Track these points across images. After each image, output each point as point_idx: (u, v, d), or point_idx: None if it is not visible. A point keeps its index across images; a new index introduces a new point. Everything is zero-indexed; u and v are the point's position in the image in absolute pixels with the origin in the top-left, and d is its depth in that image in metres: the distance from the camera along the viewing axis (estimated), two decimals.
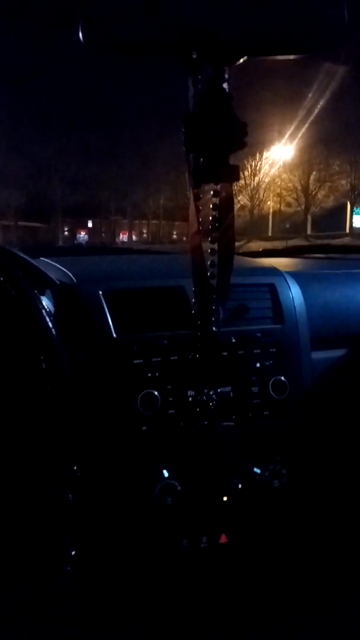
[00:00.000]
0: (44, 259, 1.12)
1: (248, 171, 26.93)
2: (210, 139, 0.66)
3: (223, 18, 0.62)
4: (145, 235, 33.18)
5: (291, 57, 0.67)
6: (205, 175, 0.69)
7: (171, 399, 0.91)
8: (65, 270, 1.00)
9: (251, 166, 27.04)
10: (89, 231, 32.94)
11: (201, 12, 0.62)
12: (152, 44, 0.64)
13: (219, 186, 0.72)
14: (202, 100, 0.66)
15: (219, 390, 0.94)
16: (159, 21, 0.62)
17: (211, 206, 0.74)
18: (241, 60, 0.66)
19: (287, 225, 29.37)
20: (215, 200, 0.73)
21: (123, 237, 32.28)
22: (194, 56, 0.64)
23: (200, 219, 0.72)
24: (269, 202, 29.55)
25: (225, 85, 0.66)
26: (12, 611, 0.82)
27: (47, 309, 0.75)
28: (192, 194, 0.70)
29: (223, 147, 0.67)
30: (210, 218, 0.74)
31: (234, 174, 0.70)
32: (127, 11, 0.62)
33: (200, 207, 0.71)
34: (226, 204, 0.73)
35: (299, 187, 27.64)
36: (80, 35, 0.62)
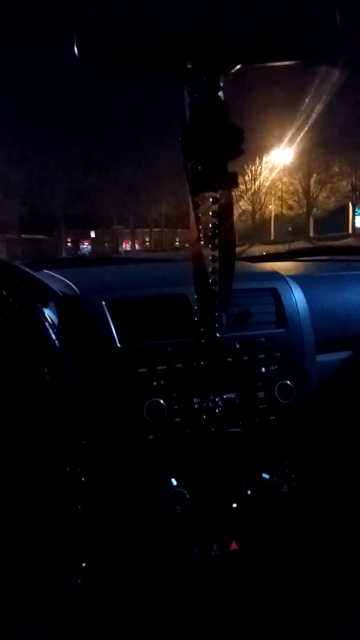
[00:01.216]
0: (47, 271, 1.13)
1: (248, 176, 26.96)
2: (207, 147, 0.66)
3: (216, 27, 0.63)
4: (147, 243, 33.25)
5: (285, 63, 0.68)
6: (203, 183, 0.69)
7: (177, 407, 0.91)
8: (68, 281, 1.01)
9: (251, 171, 27.08)
10: (92, 241, 33.03)
11: (195, 22, 0.62)
12: (147, 55, 0.65)
13: (218, 193, 0.72)
14: (198, 109, 0.66)
15: (224, 396, 0.94)
16: (153, 32, 0.63)
17: (211, 213, 0.74)
18: (236, 68, 0.67)
19: (290, 228, 29.33)
20: (215, 207, 0.73)
21: (126, 246, 32.35)
22: (189, 66, 0.65)
23: (200, 227, 0.72)
24: (270, 206, 29.55)
25: (220, 94, 0.67)
26: (23, 621, 0.82)
27: (51, 321, 0.76)
28: (191, 202, 0.70)
29: (220, 155, 0.68)
30: (211, 225, 0.74)
31: (232, 181, 0.70)
32: (121, 23, 0.63)
33: (200, 215, 0.72)
34: (226, 211, 0.74)
35: (300, 190, 27.63)
36: (75, 48, 0.62)
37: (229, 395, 0.95)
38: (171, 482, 0.89)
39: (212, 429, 0.92)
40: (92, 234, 33.30)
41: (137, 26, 0.62)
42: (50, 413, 0.72)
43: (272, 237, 28.72)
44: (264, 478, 0.95)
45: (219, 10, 0.63)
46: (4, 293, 0.73)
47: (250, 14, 0.63)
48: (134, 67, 0.69)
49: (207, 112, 0.66)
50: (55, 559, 0.83)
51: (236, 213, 0.76)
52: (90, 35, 0.63)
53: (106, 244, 32.70)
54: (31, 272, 0.91)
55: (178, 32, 0.63)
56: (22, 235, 28.84)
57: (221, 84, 0.67)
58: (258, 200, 28.30)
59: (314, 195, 27.33)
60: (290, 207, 29.08)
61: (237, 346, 0.97)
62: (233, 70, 0.67)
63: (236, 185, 0.71)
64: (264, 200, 28.88)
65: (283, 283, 1.09)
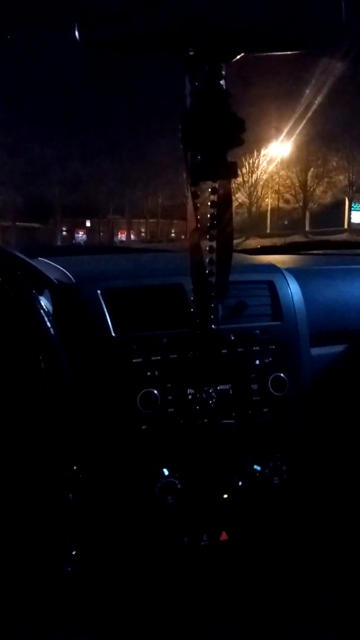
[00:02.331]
0: (43, 259, 1.12)
1: (246, 168, 26.91)
2: (207, 136, 0.66)
3: (220, 15, 0.62)
4: (143, 234, 33.16)
5: (288, 53, 0.67)
6: (203, 173, 0.69)
7: (171, 397, 0.91)
8: (63, 270, 1.00)
9: (249, 163, 27.02)
10: (87, 231, 32.92)
11: (198, 9, 0.62)
12: (149, 42, 0.64)
13: (217, 183, 0.72)
14: (200, 98, 0.66)
15: (218, 388, 0.94)
16: (156, 18, 0.62)
17: (209, 204, 0.73)
18: (238, 57, 0.66)
19: (286, 222, 29.34)
20: (214, 197, 0.73)
21: (121, 236, 32.26)
22: (191, 53, 0.64)
23: (198, 217, 0.72)
24: (267, 199, 29.53)
25: (222, 82, 0.66)
26: (13, 611, 0.82)
27: (46, 309, 0.75)
28: (190, 192, 0.70)
29: (221, 144, 0.67)
30: (209, 216, 0.74)
31: (232, 170, 0.69)
32: (123, 9, 0.62)
33: (199, 205, 0.71)
34: (224, 202, 0.73)
35: (297, 184, 27.62)
36: (77, 33, 0.62)
37: (222, 387, 0.95)
38: (163, 472, 0.89)
39: (206, 420, 0.92)
40: (88, 223, 33.18)
41: (139, 12, 0.62)
42: (44, 400, 0.72)
43: (268, 231, 28.74)
44: (256, 469, 0.96)
45: None
46: (0, 279, 0.73)
47: (255, 3, 0.62)
48: (135, 53, 0.68)
49: (209, 101, 0.66)
50: (45, 546, 0.83)
51: (233, 205, 0.76)
52: (92, 20, 0.62)
53: (101, 233, 32.59)
54: (27, 259, 0.90)
55: (181, 19, 0.62)
56: (17, 223, 28.68)
57: (223, 73, 0.66)
58: (255, 193, 28.27)
59: (311, 189, 27.34)
60: (287, 201, 29.10)
61: (232, 338, 0.97)
62: (235, 59, 0.66)
63: (236, 175, 0.70)
64: (261, 193, 28.86)
65: (279, 276, 1.09)
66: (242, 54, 0.66)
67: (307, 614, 0.99)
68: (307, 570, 1.06)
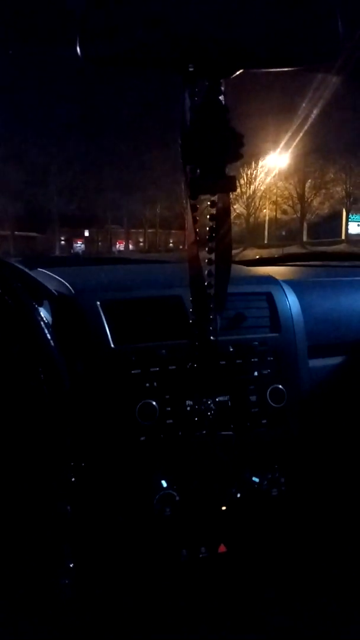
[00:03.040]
0: (42, 270, 1.12)
1: (244, 180, 27.04)
2: (207, 150, 0.67)
3: (219, 32, 0.63)
4: (142, 244, 33.22)
5: (286, 69, 0.68)
6: (202, 187, 0.69)
7: (169, 408, 0.91)
8: (62, 281, 1.00)
9: (247, 175, 27.15)
10: (86, 240, 32.94)
11: (197, 25, 0.63)
12: (149, 58, 0.65)
13: (216, 197, 0.72)
14: (199, 113, 0.66)
15: (217, 399, 0.94)
16: (156, 35, 0.63)
17: (208, 217, 0.74)
18: (237, 73, 0.67)
19: (283, 233, 29.42)
20: (213, 210, 0.73)
21: (120, 246, 32.29)
22: (191, 69, 0.65)
23: (197, 230, 0.72)
24: (265, 210, 29.63)
25: (221, 98, 0.67)
26: (11, 621, 0.81)
27: (45, 320, 0.75)
28: (189, 205, 0.70)
29: (219, 159, 0.68)
30: (207, 228, 0.75)
31: (230, 184, 0.70)
32: (124, 25, 0.63)
33: (198, 218, 0.72)
34: (223, 214, 0.74)
35: (295, 195, 27.75)
36: (78, 48, 0.62)
37: (221, 398, 0.95)
38: (161, 484, 0.89)
39: (204, 432, 0.92)
40: (86, 233, 33.21)
41: (139, 28, 0.63)
42: (44, 411, 0.72)
43: (266, 241, 28.78)
44: (254, 481, 0.96)
45: (222, 14, 0.63)
46: None
47: (253, 20, 0.63)
48: (135, 68, 0.69)
49: (208, 116, 0.66)
50: (43, 558, 0.82)
51: (231, 217, 0.77)
52: (92, 36, 0.63)
53: (99, 243, 32.62)
54: (26, 270, 0.90)
55: (181, 35, 0.63)
56: (16, 232, 28.71)
57: (222, 88, 0.67)
58: (253, 204, 28.38)
59: (308, 200, 27.46)
60: (285, 212, 29.20)
61: (231, 349, 0.98)
62: (234, 75, 0.67)
63: (234, 189, 0.71)
64: (259, 204, 28.97)
65: (277, 288, 1.10)
66: (241, 70, 0.67)
67: (306, 626, 0.98)
68: (305, 582, 1.06)
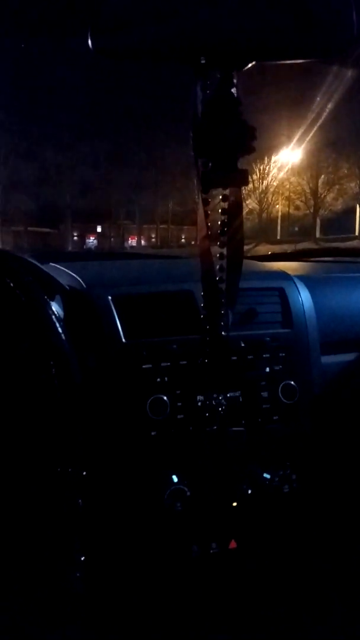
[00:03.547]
0: (54, 265, 1.13)
1: (257, 175, 26.91)
2: (218, 143, 0.66)
3: (231, 23, 0.62)
4: (154, 239, 33.25)
5: (300, 61, 0.67)
6: (214, 180, 0.69)
7: (180, 404, 0.91)
8: (74, 275, 1.01)
9: (260, 170, 27.02)
10: (98, 236, 33.04)
11: (209, 17, 0.62)
12: (161, 50, 0.64)
13: (227, 191, 0.72)
14: (211, 106, 0.66)
15: (228, 395, 0.94)
16: (168, 27, 0.62)
17: (220, 211, 0.73)
18: (249, 65, 0.66)
19: (296, 229, 29.27)
20: (224, 204, 0.73)
21: (132, 241, 32.35)
22: (203, 62, 0.65)
23: (209, 224, 0.72)
24: (277, 206, 29.49)
25: (233, 90, 0.67)
26: (20, 615, 0.82)
27: (57, 314, 0.75)
28: (200, 199, 0.70)
29: (232, 152, 0.67)
30: (219, 222, 0.74)
31: (243, 178, 0.70)
32: (135, 17, 0.62)
33: (209, 212, 0.71)
34: (235, 209, 0.73)
35: (308, 190, 27.57)
36: (90, 41, 0.62)
37: (232, 394, 0.94)
38: (172, 479, 0.89)
39: (215, 427, 0.92)
40: (99, 229, 33.31)
41: (151, 20, 0.62)
42: (55, 406, 0.72)
43: (278, 237, 28.68)
44: (265, 478, 0.95)
45: (234, 6, 0.62)
46: (12, 285, 0.73)
47: (265, 11, 0.62)
48: (147, 61, 0.69)
49: (220, 109, 0.66)
50: (54, 552, 0.83)
51: (244, 212, 0.76)
52: (104, 28, 0.63)
53: (112, 239, 32.70)
54: (38, 264, 0.90)
55: (192, 27, 0.62)
56: (29, 228, 28.87)
57: (234, 81, 0.66)
58: (265, 199, 28.25)
59: (322, 196, 27.26)
60: (297, 208, 29.03)
61: (242, 345, 0.97)
62: (247, 67, 0.67)
63: (246, 183, 0.70)
64: (272, 200, 28.83)
65: (290, 283, 1.09)
66: (254, 62, 0.66)
67: (315, 623, 0.98)
68: (316, 580, 1.05)
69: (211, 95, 0.66)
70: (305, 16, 0.63)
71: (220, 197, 0.73)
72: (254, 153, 0.68)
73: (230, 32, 0.63)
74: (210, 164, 0.68)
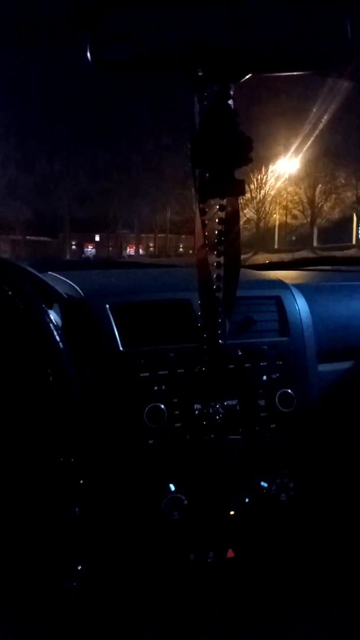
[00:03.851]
0: (52, 273, 1.13)
1: (254, 184, 27.02)
2: (215, 154, 0.67)
3: (228, 37, 0.63)
4: (152, 248, 33.30)
5: (295, 74, 0.68)
6: (211, 190, 0.70)
7: (177, 412, 0.91)
8: (72, 284, 1.01)
9: (257, 179, 27.13)
10: (97, 245, 33.08)
11: (206, 30, 0.63)
12: (159, 62, 0.65)
13: (224, 200, 0.73)
14: (208, 117, 0.67)
15: (225, 403, 0.94)
16: (165, 40, 0.63)
17: (217, 220, 0.74)
18: (246, 77, 0.67)
19: (294, 238, 29.32)
20: (221, 214, 0.74)
21: (130, 250, 32.39)
22: (200, 74, 0.65)
23: (206, 233, 0.73)
24: (275, 215, 29.57)
25: (230, 102, 0.67)
26: (18, 624, 0.81)
27: (55, 323, 0.76)
28: (198, 209, 0.71)
29: (228, 163, 0.68)
30: (216, 232, 0.75)
31: (239, 188, 0.70)
32: (134, 30, 0.63)
33: (207, 221, 0.72)
34: (232, 218, 0.74)
35: (305, 200, 27.67)
36: (88, 53, 0.63)
37: (229, 402, 0.95)
38: (169, 488, 0.89)
39: (212, 436, 0.92)
40: (97, 238, 33.37)
41: (149, 33, 0.63)
42: (52, 414, 0.72)
43: (276, 246, 28.74)
44: (263, 486, 0.95)
45: (231, 19, 0.63)
46: (10, 293, 0.74)
47: (262, 25, 0.64)
48: (145, 72, 0.70)
49: (217, 120, 0.67)
50: (50, 560, 0.82)
51: (241, 221, 0.77)
52: (102, 40, 0.64)
53: (110, 247, 32.74)
54: (36, 273, 0.91)
55: (190, 40, 0.63)
56: (27, 237, 28.91)
57: (231, 93, 0.67)
58: (263, 208, 28.34)
59: (319, 205, 27.37)
60: (295, 217, 29.13)
61: (240, 353, 0.97)
62: (243, 80, 0.68)
63: (243, 192, 0.71)
64: (269, 209, 28.91)
65: (287, 292, 1.09)
66: (250, 75, 0.67)
67: (313, 631, 0.98)
68: (313, 589, 1.05)
69: (208, 107, 0.67)
70: (300, 29, 0.64)
71: (218, 206, 0.73)
72: (252, 163, 0.69)
73: (227, 45, 0.64)
74: (207, 175, 0.68)
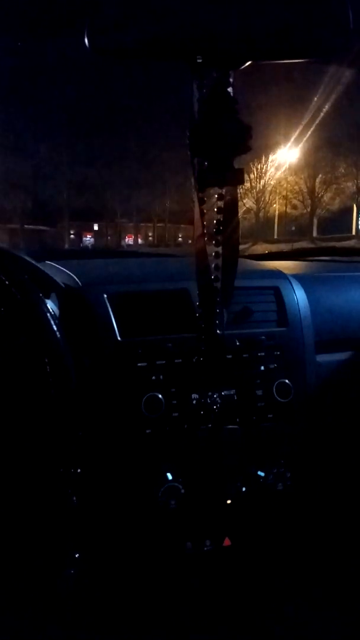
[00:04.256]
0: (50, 263, 1.13)
1: (254, 174, 26.93)
2: (214, 143, 0.66)
3: (227, 23, 0.63)
4: (150, 238, 33.21)
5: (296, 61, 0.68)
6: (210, 179, 0.69)
7: (175, 402, 0.91)
8: (70, 273, 1.01)
9: (257, 169, 27.04)
10: (95, 234, 32.97)
11: (206, 17, 0.62)
12: (157, 49, 0.64)
13: (223, 190, 0.72)
14: (207, 105, 0.66)
15: (223, 393, 0.94)
16: (164, 26, 0.62)
17: (216, 209, 0.74)
18: (246, 65, 0.67)
19: (293, 228, 29.25)
20: (220, 203, 0.73)
21: (129, 240, 32.31)
22: (199, 61, 0.65)
23: (204, 222, 0.72)
24: (274, 205, 29.49)
25: (230, 90, 0.67)
26: (15, 612, 0.82)
27: (52, 312, 0.76)
28: (196, 198, 0.70)
29: (227, 151, 0.67)
30: (215, 221, 0.74)
31: (238, 177, 0.70)
32: (132, 16, 0.62)
33: (205, 211, 0.72)
34: (231, 207, 0.74)
35: (305, 190, 27.60)
36: (86, 40, 0.62)
37: (227, 392, 0.95)
38: (167, 477, 0.90)
39: (210, 425, 0.93)
40: (96, 227, 33.26)
41: (148, 19, 0.62)
42: (50, 404, 0.72)
43: (276, 236, 28.68)
44: (259, 476, 0.96)
45: (230, 5, 0.62)
46: (7, 282, 0.73)
47: (261, 11, 0.63)
48: (143, 59, 0.69)
49: (216, 108, 0.66)
50: (49, 549, 0.83)
51: (240, 211, 0.76)
52: (100, 27, 0.63)
53: (109, 237, 32.65)
54: (34, 262, 0.90)
55: (189, 26, 0.62)
56: (25, 226, 28.79)
57: (231, 80, 0.67)
58: (263, 198, 28.26)
59: (319, 195, 27.29)
60: (295, 207, 29.04)
61: (238, 343, 0.98)
62: (243, 67, 0.67)
63: (242, 182, 0.70)
64: (269, 199, 28.84)
65: (285, 282, 1.09)
66: (250, 62, 0.66)
67: (309, 620, 0.99)
68: (309, 577, 1.06)
69: (207, 95, 0.66)
70: (301, 16, 0.64)
71: (216, 196, 0.73)
72: (251, 152, 0.68)
73: (226, 32, 0.63)
74: (206, 163, 0.68)
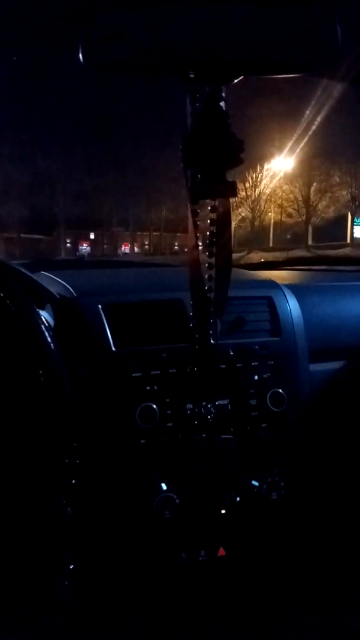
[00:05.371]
0: (44, 273, 1.13)
1: (249, 183, 27.06)
2: (207, 156, 0.67)
3: (220, 38, 0.64)
4: (147, 246, 33.25)
5: (287, 76, 0.69)
6: (202, 191, 0.70)
7: (169, 412, 0.92)
8: (65, 284, 1.01)
9: (252, 178, 27.17)
10: (91, 243, 32.98)
11: (198, 32, 0.63)
12: (151, 64, 0.65)
13: (216, 202, 0.73)
14: (200, 118, 0.67)
15: (217, 403, 0.95)
16: (158, 41, 0.63)
17: (209, 221, 0.75)
18: (238, 79, 0.68)
19: (288, 236, 29.34)
20: (213, 215, 0.74)
21: (125, 248, 32.32)
22: (192, 75, 0.66)
23: (198, 234, 0.73)
24: (270, 213, 29.61)
25: (222, 104, 0.68)
26: (10, 624, 0.82)
27: (47, 323, 0.76)
28: (190, 210, 0.71)
29: (220, 164, 0.68)
30: (208, 233, 0.75)
31: (231, 189, 0.71)
32: (126, 31, 0.63)
33: (199, 222, 0.72)
34: (223, 219, 0.74)
35: (300, 198, 27.73)
36: (80, 55, 0.63)
37: (221, 402, 0.95)
38: (161, 487, 0.90)
39: (204, 435, 0.93)
40: (92, 236, 33.27)
41: (142, 34, 0.63)
42: (44, 415, 0.72)
43: (271, 245, 28.79)
44: (254, 485, 0.96)
45: (223, 21, 0.63)
46: (1, 294, 0.74)
47: (253, 27, 0.64)
48: (137, 74, 0.70)
49: (209, 122, 0.67)
50: (43, 560, 0.83)
51: (236, 219, 0.78)
52: (95, 41, 0.64)
53: (105, 245, 32.67)
54: (28, 273, 0.91)
55: (182, 42, 0.63)
56: (22, 235, 28.79)
57: (223, 94, 0.68)
58: (258, 207, 28.37)
59: (314, 204, 27.44)
60: (290, 215, 29.17)
61: (231, 353, 0.98)
62: (235, 81, 0.68)
63: (235, 194, 0.71)
64: (264, 208, 28.95)
65: (278, 292, 1.10)
66: (242, 76, 0.67)
67: (304, 629, 0.98)
68: (305, 587, 1.06)
69: (200, 109, 0.67)
70: (291, 32, 0.65)
71: (209, 208, 0.74)
72: (246, 161, 0.69)
73: (218, 47, 0.64)
74: (199, 176, 0.69)
